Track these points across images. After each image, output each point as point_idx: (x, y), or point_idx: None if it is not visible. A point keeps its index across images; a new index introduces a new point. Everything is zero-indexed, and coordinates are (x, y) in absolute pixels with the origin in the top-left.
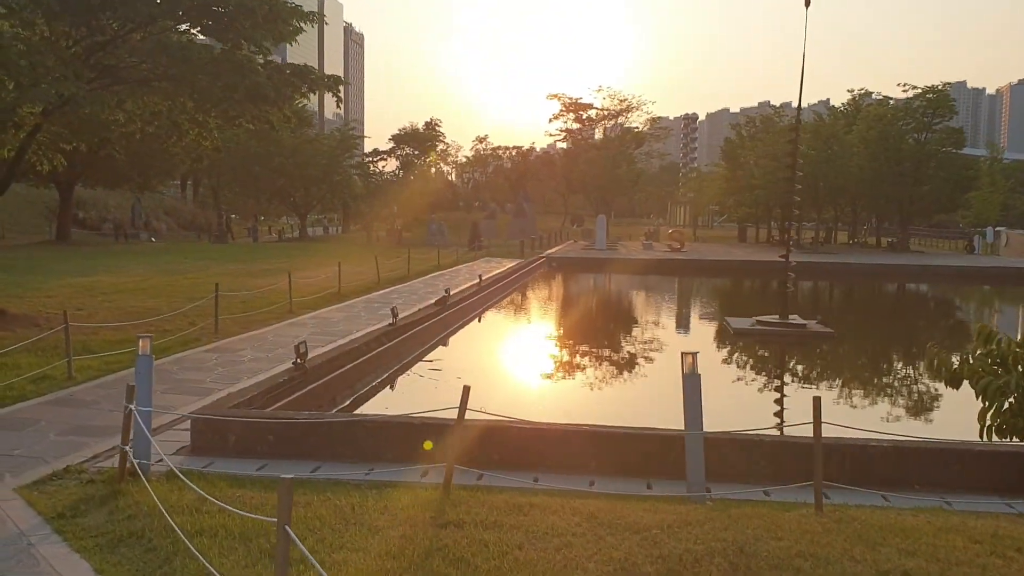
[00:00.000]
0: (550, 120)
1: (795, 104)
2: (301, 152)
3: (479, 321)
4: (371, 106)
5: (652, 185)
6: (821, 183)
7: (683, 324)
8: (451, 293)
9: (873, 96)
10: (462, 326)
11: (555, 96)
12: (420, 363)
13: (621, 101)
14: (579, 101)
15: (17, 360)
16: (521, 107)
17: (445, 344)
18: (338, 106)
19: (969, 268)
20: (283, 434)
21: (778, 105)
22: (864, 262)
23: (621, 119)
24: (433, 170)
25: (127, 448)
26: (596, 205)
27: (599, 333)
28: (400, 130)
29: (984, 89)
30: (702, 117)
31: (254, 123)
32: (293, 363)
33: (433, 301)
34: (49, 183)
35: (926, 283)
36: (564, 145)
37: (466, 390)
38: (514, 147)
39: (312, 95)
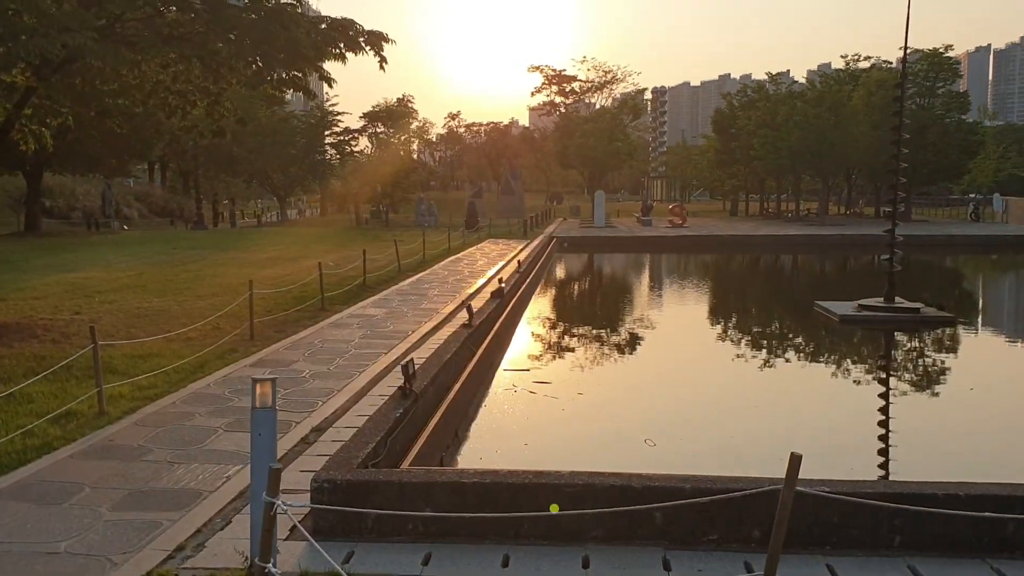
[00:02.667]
0: (532, 93)
1: (793, 73)
2: (279, 131)
3: (545, 313)
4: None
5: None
6: (826, 152)
7: (770, 309)
8: (503, 283)
9: (870, 61)
10: (530, 321)
11: (537, 68)
12: (513, 373)
13: (606, 72)
14: (563, 73)
15: (26, 390)
16: (488, 82)
17: (526, 344)
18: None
19: (997, 237)
20: (446, 503)
21: (737, 77)
22: (879, 233)
23: (606, 91)
24: (413, 147)
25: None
26: (589, 181)
27: (694, 326)
28: (374, 107)
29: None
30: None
31: (280, 89)
32: (401, 389)
33: (493, 290)
34: (14, 170)
35: (961, 253)
36: (547, 119)
37: (795, 459)
38: (490, 123)
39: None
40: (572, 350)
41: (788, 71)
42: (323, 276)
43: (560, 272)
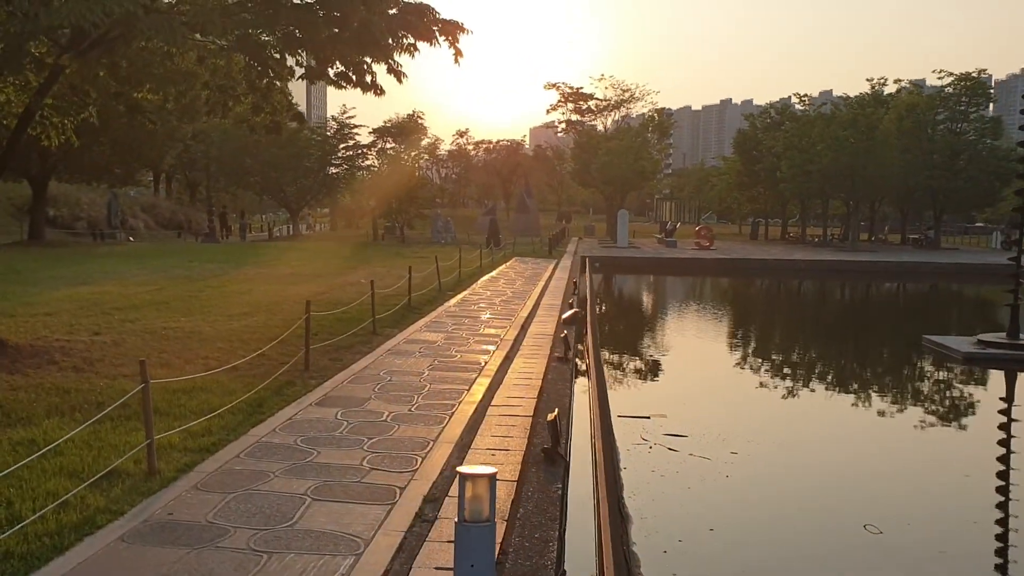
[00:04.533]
0: (548, 111)
1: (817, 93)
2: (294, 142)
3: (625, 343)
4: (333, 96)
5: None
6: (859, 176)
7: (877, 345)
8: (573, 304)
9: (897, 84)
10: (611, 351)
11: (553, 86)
12: (631, 421)
13: (624, 91)
14: (580, 91)
15: (52, 435)
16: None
17: (621, 381)
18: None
19: None
20: None
21: (739, 102)
22: (935, 261)
23: (623, 109)
24: (424, 162)
25: None
26: (608, 200)
27: (811, 363)
28: (385, 122)
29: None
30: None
31: (340, 83)
32: (547, 452)
33: (565, 316)
34: (20, 177)
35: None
36: (556, 137)
37: None
38: (501, 141)
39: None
40: (680, 391)
41: (822, 92)
42: (360, 295)
43: (616, 295)
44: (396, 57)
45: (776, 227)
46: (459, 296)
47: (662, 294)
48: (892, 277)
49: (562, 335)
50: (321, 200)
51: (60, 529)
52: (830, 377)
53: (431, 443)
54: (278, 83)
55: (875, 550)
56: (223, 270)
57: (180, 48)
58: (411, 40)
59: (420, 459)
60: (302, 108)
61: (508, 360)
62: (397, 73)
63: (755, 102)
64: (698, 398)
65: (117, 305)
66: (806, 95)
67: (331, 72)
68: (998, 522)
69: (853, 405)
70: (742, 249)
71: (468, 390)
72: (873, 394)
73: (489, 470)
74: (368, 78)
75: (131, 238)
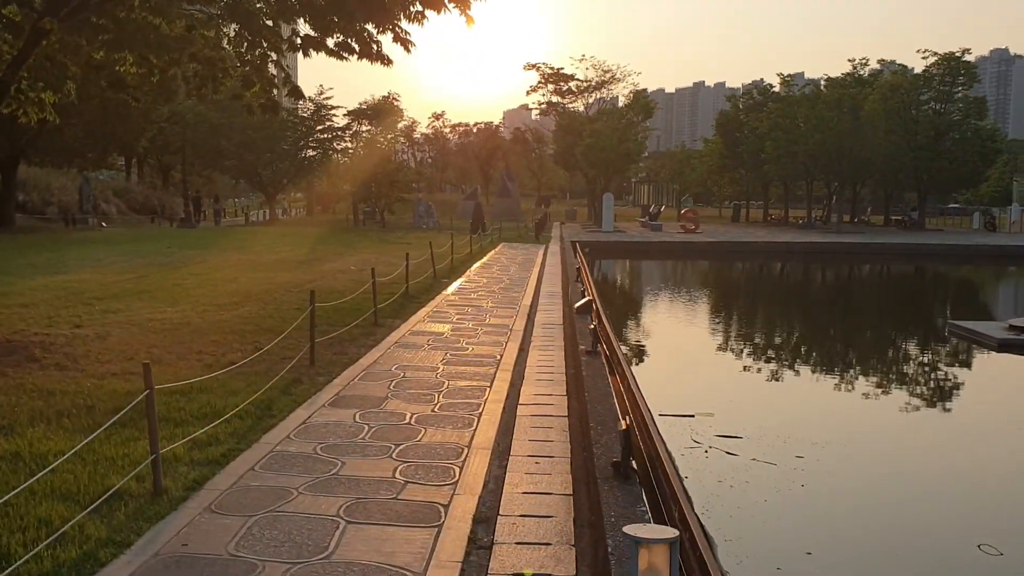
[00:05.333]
0: (528, 92)
1: (806, 75)
2: (270, 124)
3: (644, 332)
4: (305, 76)
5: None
6: (845, 157)
7: (905, 331)
8: (584, 293)
9: (881, 64)
10: (635, 342)
11: (533, 66)
12: (676, 420)
13: (604, 72)
14: (560, 71)
15: (39, 448)
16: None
17: (652, 375)
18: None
19: None
20: None
21: (710, 83)
22: (930, 242)
23: (604, 91)
24: (401, 145)
25: None
26: (591, 184)
27: (853, 350)
28: (360, 104)
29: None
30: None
31: (341, 53)
32: (617, 467)
33: (578, 304)
34: None
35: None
36: (538, 119)
37: None
38: (479, 123)
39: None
40: (713, 385)
41: (802, 73)
42: (354, 283)
43: (614, 282)
44: (403, 25)
45: (756, 210)
46: (456, 283)
47: (660, 279)
48: (890, 259)
49: (590, 326)
50: (297, 184)
51: (58, 569)
52: (867, 367)
53: (465, 450)
54: (272, 55)
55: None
56: (204, 256)
57: (167, 17)
58: (419, 7)
59: (457, 469)
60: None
61: (523, 352)
62: (404, 42)
63: (728, 84)
64: (736, 393)
65: (97, 295)
66: (789, 75)
67: (331, 42)
68: None
69: (908, 401)
70: (728, 232)
71: (490, 387)
72: (922, 388)
73: (668, 533)
74: (374, 47)
75: (103, 224)
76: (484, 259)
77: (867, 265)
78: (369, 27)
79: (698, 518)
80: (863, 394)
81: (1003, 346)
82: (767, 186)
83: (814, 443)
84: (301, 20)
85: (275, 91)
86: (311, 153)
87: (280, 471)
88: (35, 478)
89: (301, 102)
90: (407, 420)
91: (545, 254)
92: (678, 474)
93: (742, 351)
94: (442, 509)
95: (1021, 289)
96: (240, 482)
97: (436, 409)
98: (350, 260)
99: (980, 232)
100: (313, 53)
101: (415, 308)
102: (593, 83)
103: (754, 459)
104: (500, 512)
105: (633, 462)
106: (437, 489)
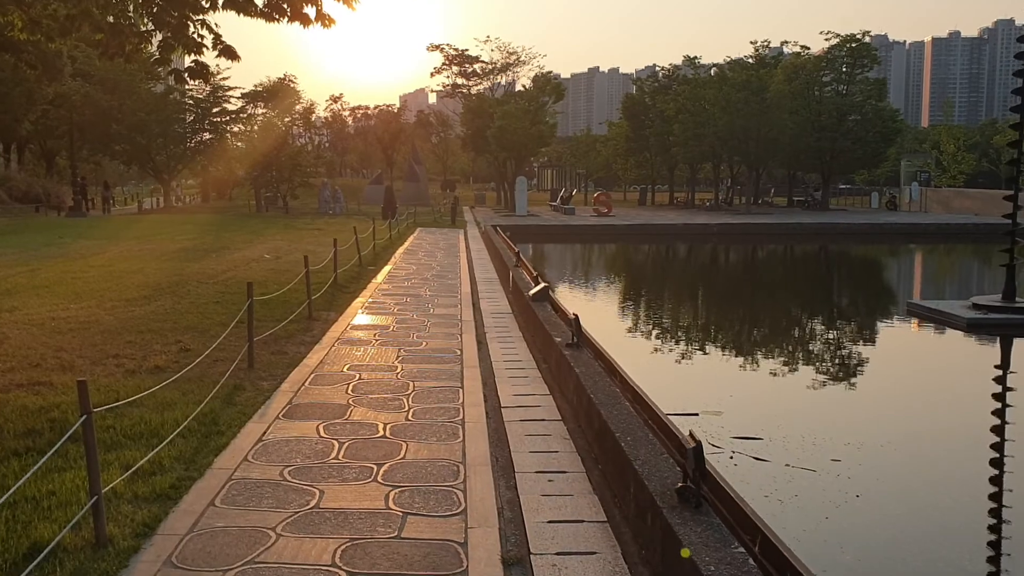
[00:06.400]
0: (432, 74)
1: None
2: (163, 106)
3: (612, 320)
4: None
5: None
6: (752, 138)
7: (869, 313)
8: (534, 279)
9: (779, 47)
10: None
11: (437, 47)
12: (684, 420)
13: (510, 54)
14: (465, 53)
15: None
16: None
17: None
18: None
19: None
20: None
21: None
22: (840, 221)
23: (510, 74)
24: (299, 128)
25: None
26: (502, 167)
27: (808, 329)
28: (255, 86)
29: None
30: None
31: (277, 13)
32: (684, 492)
33: (533, 292)
34: None
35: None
36: (444, 100)
37: None
38: (380, 106)
39: None
40: (701, 376)
41: (700, 57)
42: (272, 272)
43: (553, 266)
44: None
45: (662, 193)
46: (384, 271)
47: (592, 263)
48: (810, 239)
49: (572, 316)
50: (192, 169)
51: None
52: (848, 352)
53: (460, 467)
54: (193, 15)
55: None
56: (101, 247)
57: None
58: None
59: (460, 493)
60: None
61: (482, 345)
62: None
63: (621, 71)
64: (731, 387)
65: None
66: (696, 57)
67: (259, 1)
68: None
69: (910, 390)
70: (641, 215)
71: (462, 387)
72: (917, 372)
73: None
74: (312, 8)
75: None
76: (405, 245)
77: (790, 245)
78: None
79: (796, 556)
80: (867, 386)
81: (971, 326)
82: (673, 169)
83: (847, 444)
84: None
85: (202, 52)
86: (207, 136)
87: (247, 506)
88: None
89: (196, 82)
90: (381, 432)
91: (466, 239)
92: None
93: (719, 339)
94: (460, 549)
95: (959, 263)
96: (201, 523)
97: (410, 417)
98: (260, 248)
99: (882, 211)
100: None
101: (348, 299)
102: (498, 65)
103: (789, 465)
104: (531, 550)
105: (704, 487)
106: (444, 522)
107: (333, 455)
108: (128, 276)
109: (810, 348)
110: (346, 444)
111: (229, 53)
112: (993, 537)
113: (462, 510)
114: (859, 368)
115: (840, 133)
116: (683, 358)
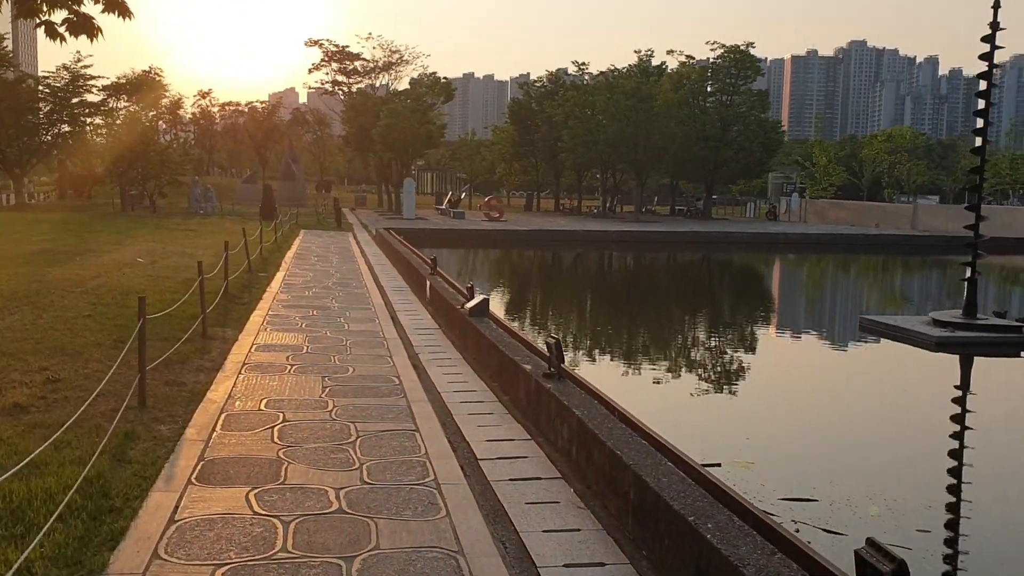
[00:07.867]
0: (310, 70)
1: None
2: (16, 95)
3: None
4: (45, 47)
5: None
6: (641, 146)
7: (829, 329)
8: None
9: (666, 57)
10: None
11: (315, 43)
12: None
13: (392, 52)
14: (346, 50)
15: None
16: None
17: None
18: None
19: (838, 235)
20: None
21: (482, 76)
22: (734, 231)
23: (392, 72)
24: (165, 124)
25: None
26: (386, 168)
27: (801, 356)
28: (118, 78)
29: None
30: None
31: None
32: None
33: (471, 306)
34: None
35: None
36: (322, 97)
37: None
38: (252, 103)
39: None
40: (698, 411)
41: (559, 68)
42: (150, 279)
43: (468, 274)
44: None
45: (546, 199)
46: (278, 278)
47: (505, 272)
48: (706, 247)
49: (551, 340)
50: (48, 163)
51: None
52: (805, 368)
53: (459, 561)
54: None
55: None
56: None
57: None
58: None
59: None
60: None
61: (419, 370)
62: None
63: (496, 77)
64: (741, 423)
65: None
66: (584, 63)
67: None
68: None
69: (930, 423)
70: (531, 220)
71: (418, 431)
72: (912, 397)
73: None
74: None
75: None
76: (294, 249)
77: (690, 253)
78: None
79: None
80: (889, 422)
81: (940, 345)
82: (559, 176)
83: (928, 507)
84: None
85: None
86: (65, 129)
87: None
88: None
89: (55, 71)
90: (335, 503)
91: (358, 243)
92: None
93: (689, 358)
94: None
95: (879, 273)
96: None
97: (367, 478)
98: (131, 251)
99: (762, 221)
100: None
101: (244, 312)
102: (380, 64)
103: (875, 542)
104: None
105: None
106: None
107: (279, 545)
108: None
109: (785, 367)
110: (292, 524)
111: (118, 7)
112: None
113: None
114: (860, 392)
115: (724, 143)
116: (659, 382)
